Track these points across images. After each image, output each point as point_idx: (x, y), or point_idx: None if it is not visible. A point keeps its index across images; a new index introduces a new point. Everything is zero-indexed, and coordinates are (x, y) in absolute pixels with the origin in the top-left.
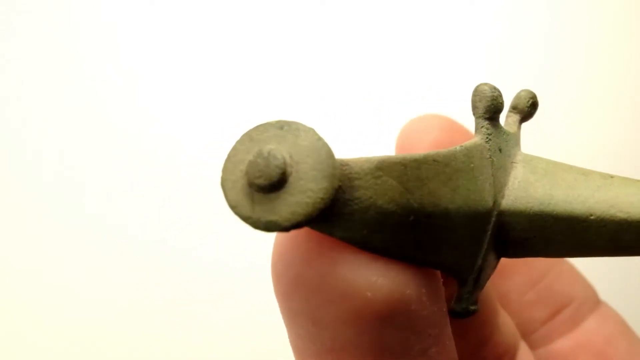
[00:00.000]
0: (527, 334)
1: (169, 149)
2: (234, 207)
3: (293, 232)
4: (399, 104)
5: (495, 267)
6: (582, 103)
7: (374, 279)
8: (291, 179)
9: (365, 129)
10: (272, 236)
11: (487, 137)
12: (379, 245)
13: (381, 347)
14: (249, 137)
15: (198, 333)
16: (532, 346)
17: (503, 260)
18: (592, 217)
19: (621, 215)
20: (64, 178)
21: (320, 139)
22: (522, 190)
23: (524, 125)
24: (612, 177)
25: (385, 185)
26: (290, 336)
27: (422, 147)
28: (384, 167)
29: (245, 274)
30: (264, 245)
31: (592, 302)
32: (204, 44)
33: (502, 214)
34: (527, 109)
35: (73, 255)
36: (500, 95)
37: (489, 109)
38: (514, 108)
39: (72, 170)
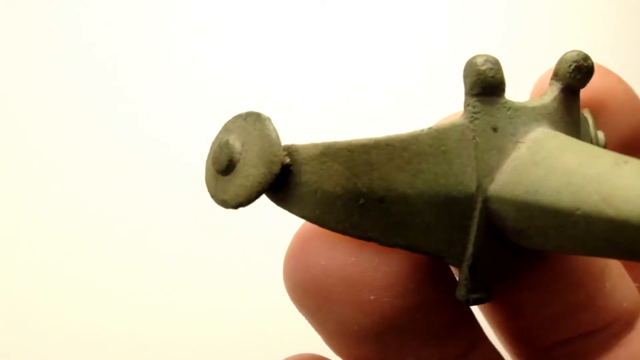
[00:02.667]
0: None
1: (169, 148)
2: (206, 186)
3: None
4: (399, 103)
5: (516, 257)
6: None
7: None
8: (239, 165)
9: (365, 129)
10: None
11: (472, 116)
12: (334, 225)
13: None
14: (225, 127)
15: (198, 333)
16: None
17: None
18: (578, 212)
19: (610, 212)
20: (63, 178)
21: (268, 128)
22: (515, 175)
23: None
24: (626, 162)
25: (330, 170)
26: None
27: None
28: (329, 153)
29: (245, 275)
30: (264, 246)
31: None
32: (203, 43)
33: (488, 200)
34: (569, 74)
35: (72, 254)
36: (492, 69)
37: (475, 84)
38: (555, 75)
39: (72, 170)
